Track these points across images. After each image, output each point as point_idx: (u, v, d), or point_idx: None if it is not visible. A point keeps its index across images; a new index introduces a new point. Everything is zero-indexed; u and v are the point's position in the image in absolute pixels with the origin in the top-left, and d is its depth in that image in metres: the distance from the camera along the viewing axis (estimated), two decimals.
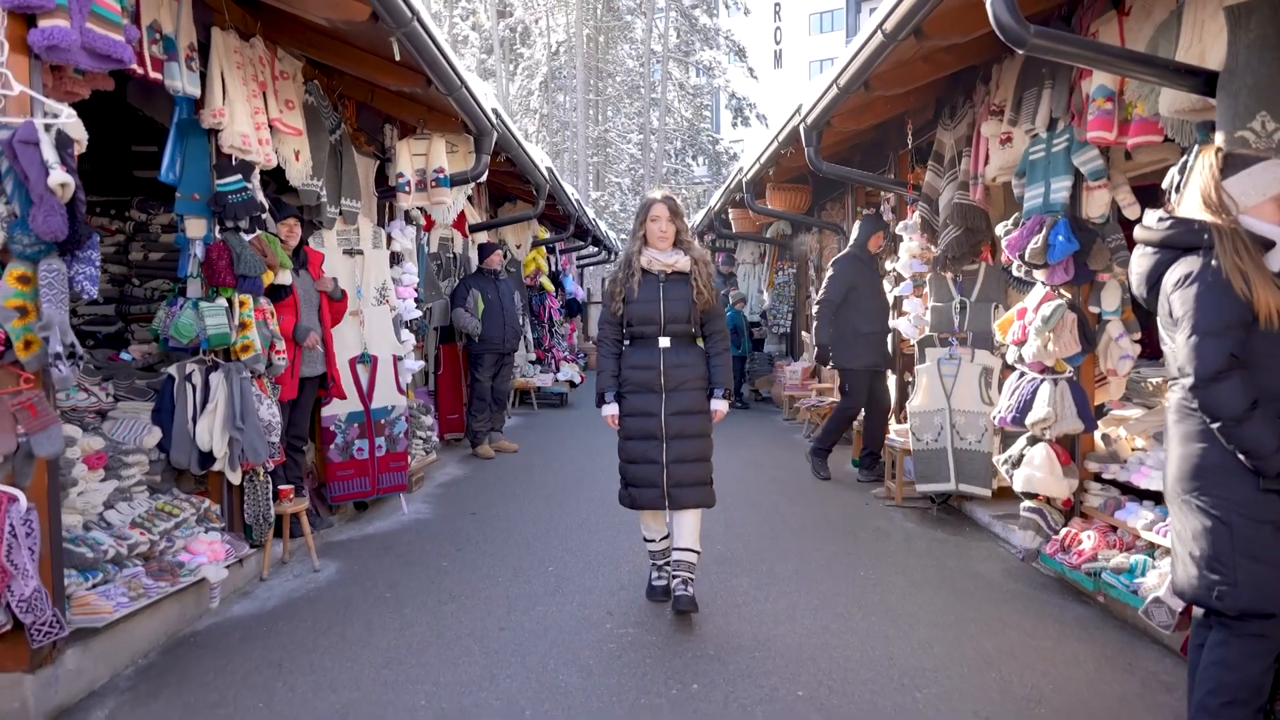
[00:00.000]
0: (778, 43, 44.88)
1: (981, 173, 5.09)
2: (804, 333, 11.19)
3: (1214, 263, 2.32)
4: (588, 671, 3.40)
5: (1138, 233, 2.55)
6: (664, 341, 3.99)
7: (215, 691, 3.22)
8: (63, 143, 2.88)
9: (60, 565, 3.10)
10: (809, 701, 3.14)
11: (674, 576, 4.00)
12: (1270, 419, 2.25)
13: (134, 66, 3.42)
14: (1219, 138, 2.87)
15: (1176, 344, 2.38)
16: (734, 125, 33.57)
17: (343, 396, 5.61)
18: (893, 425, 6.53)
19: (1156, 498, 3.85)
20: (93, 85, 3.42)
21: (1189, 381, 2.34)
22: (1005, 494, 5.38)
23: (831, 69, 5.37)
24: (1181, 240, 2.42)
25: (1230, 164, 2.44)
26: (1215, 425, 2.31)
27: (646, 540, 4.20)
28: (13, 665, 2.92)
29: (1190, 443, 2.40)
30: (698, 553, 4.03)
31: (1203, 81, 2.99)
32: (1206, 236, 2.36)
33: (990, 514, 5.52)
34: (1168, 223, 2.46)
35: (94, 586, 3.29)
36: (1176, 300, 2.37)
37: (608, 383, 4.09)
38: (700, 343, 4.12)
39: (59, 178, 2.77)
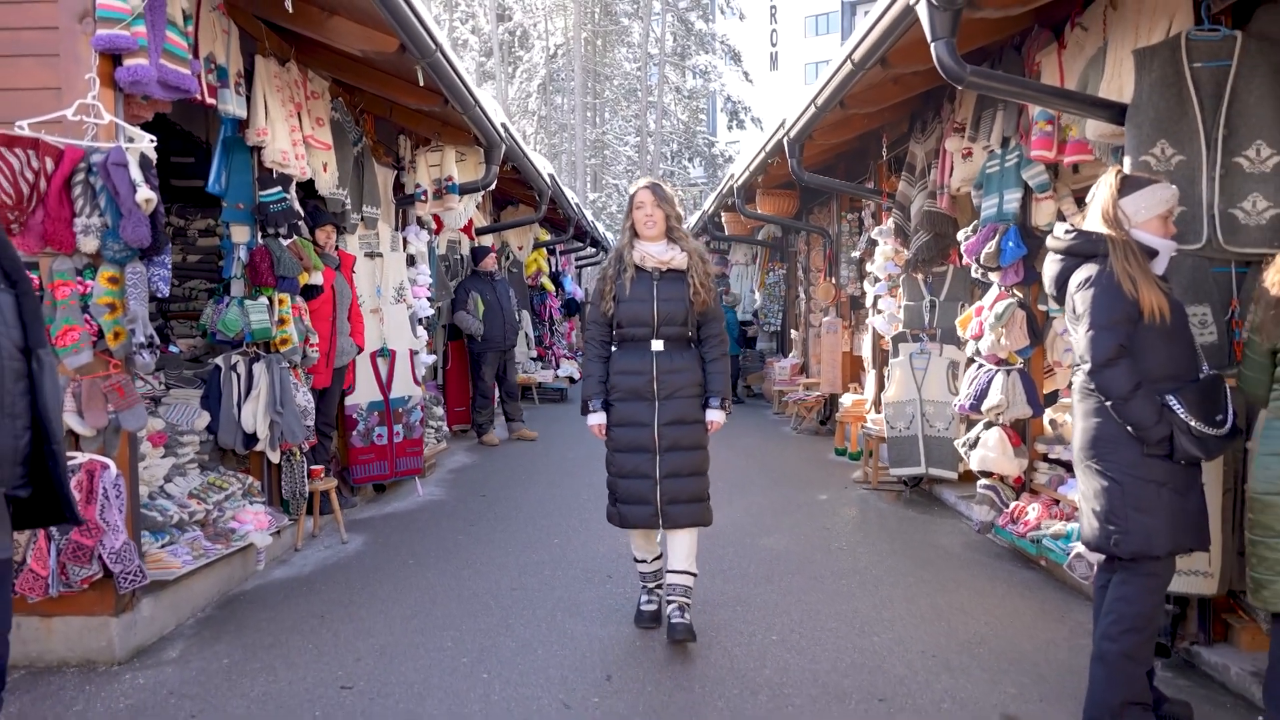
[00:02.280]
0: (774, 45, 45.30)
1: (947, 183, 5.59)
2: (793, 330, 11.70)
3: (1108, 268, 2.82)
4: (590, 620, 3.91)
5: (1049, 242, 3.05)
6: (657, 345, 3.66)
7: (269, 636, 3.73)
8: (145, 163, 3.38)
9: (139, 525, 3.60)
10: (781, 644, 3.66)
11: (669, 601, 3.68)
12: (1150, 397, 2.75)
13: (196, 95, 3.91)
14: (1127, 161, 3.38)
15: (1078, 336, 2.88)
16: (729, 128, 34.13)
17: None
18: (869, 414, 7.03)
19: None
20: (154, 109, 3.91)
21: (1087, 367, 2.84)
22: (971, 476, 5.86)
23: (810, 89, 5.88)
24: (1083, 249, 2.92)
25: (1127, 185, 2.94)
26: (1108, 403, 2.81)
27: (636, 561, 3.87)
28: (101, 610, 3.43)
29: (1090, 418, 2.91)
30: (694, 575, 3.72)
31: (1117, 113, 3.49)
32: (1103, 246, 2.87)
33: (956, 495, 6.04)
34: (1072, 234, 2.96)
35: (163, 546, 3.80)
36: (1079, 300, 2.87)
37: (594, 389, 3.73)
38: (695, 347, 3.78)
39: (145, 194, 3.27)
